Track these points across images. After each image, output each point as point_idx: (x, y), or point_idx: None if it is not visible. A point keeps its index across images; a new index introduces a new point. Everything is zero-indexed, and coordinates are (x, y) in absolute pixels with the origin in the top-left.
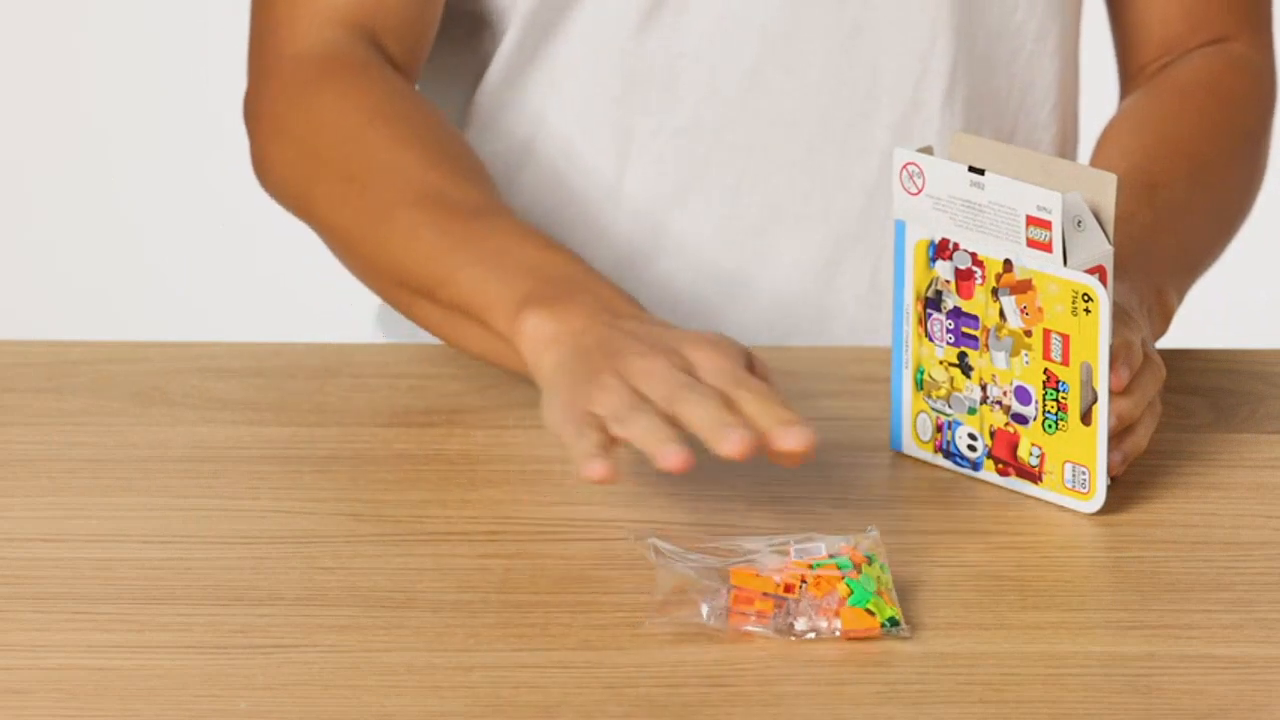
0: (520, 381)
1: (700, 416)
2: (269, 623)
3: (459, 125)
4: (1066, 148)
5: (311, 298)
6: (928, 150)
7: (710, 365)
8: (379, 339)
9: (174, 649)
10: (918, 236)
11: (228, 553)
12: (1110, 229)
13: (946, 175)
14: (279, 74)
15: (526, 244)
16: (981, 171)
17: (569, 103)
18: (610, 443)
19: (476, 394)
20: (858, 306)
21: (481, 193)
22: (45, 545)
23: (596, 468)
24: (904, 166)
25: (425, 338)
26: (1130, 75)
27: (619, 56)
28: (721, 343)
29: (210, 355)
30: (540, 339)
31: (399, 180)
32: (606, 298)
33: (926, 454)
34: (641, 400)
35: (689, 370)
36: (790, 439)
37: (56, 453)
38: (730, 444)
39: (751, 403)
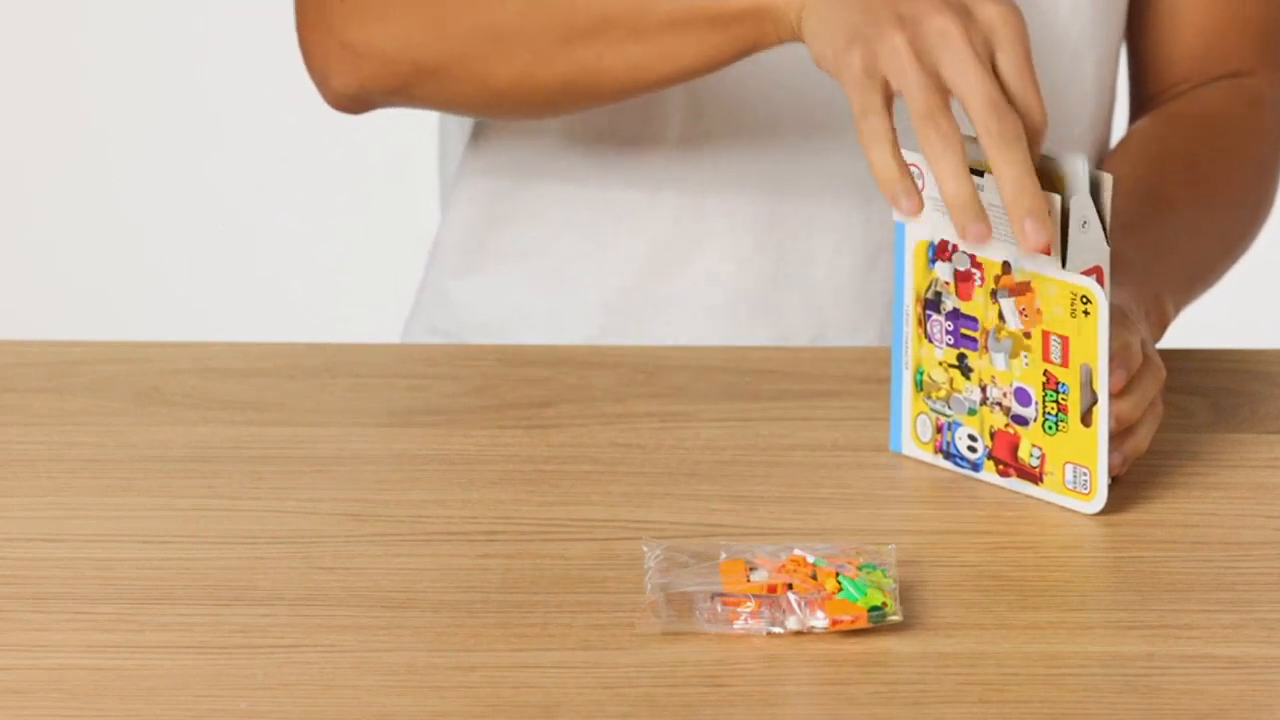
0: (520, 381)
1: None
2: (269, 623)
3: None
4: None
5: (313, 297)
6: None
7: (1003, 46)
8: (421, 338)
9: (174, 649)
10: (918, 238)
11: (228, 553)
12: (1108, 229)
13: None
14: None
15: None
16: (981, 173)
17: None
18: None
19: (476, 394)
20: (888, 312)
21: None
22: (45, 545)
23: (906, 204)
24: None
25: (434, 337)
26: (1144, 100)
27: None
28: (1012, 16)
29: (210, 355)
30: None
31: None
32: None
33: (926, 455)
34: (934, 85)
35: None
36: (1029, 239)
37: (56, 453)
38: (970, 235)
39: (1008, 168)
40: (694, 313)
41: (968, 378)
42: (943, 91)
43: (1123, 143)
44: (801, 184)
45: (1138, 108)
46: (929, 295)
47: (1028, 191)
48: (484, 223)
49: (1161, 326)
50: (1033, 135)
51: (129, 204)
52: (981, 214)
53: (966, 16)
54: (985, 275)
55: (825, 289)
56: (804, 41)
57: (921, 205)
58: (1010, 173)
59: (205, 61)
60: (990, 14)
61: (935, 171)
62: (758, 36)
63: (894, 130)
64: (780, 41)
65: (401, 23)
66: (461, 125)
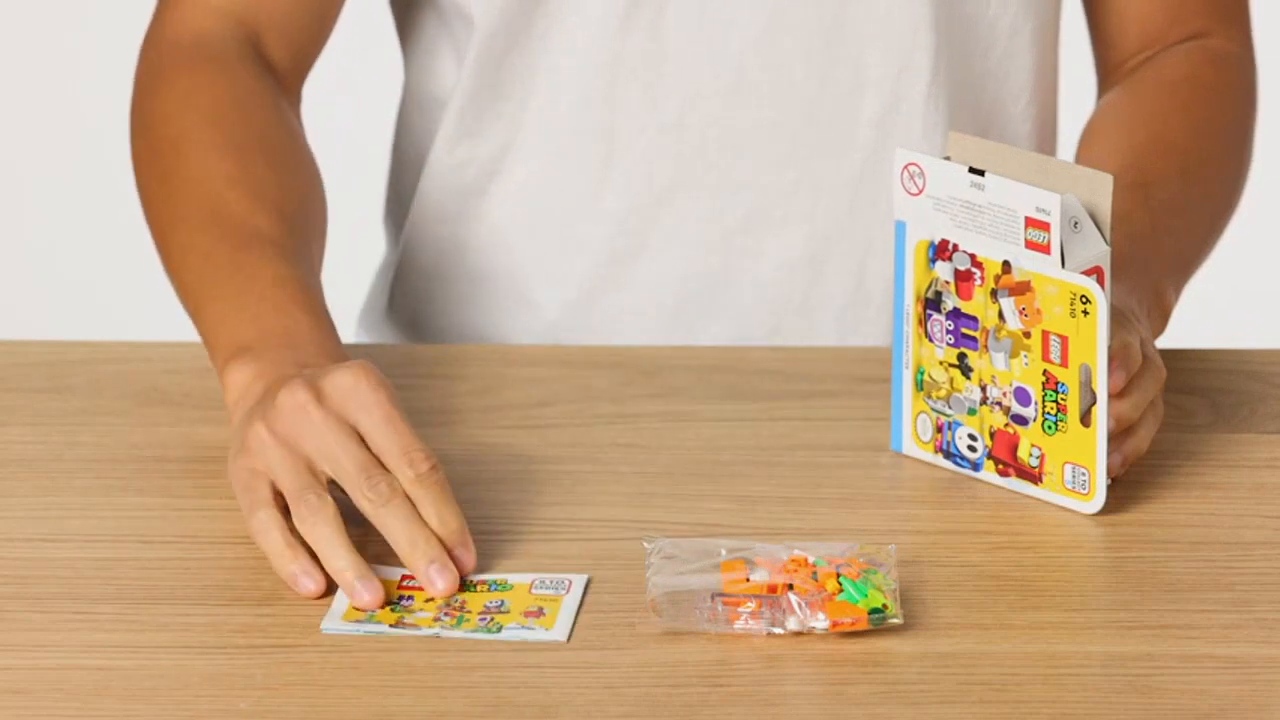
0: (520, 381)
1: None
2: (269, 623)
3: (433, 132)
4: (1044, 141)
5: None
6: None
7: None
8: (363, 340)
9: (174, 649)
10: (918, 237)
11: (228, 553)
12: (1107, 229)
13: (947, 176)
14: (151, 56)
15: (269, 289)
16: (982, 173)
17: (549, 106)
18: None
19: (476, 394)
20: (844, 303)
21: (270, 219)
22: (45, 545)
23: (307, 585)
24: (905, 167)
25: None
26: (1109, 71)
27: (598, 58)
28: (363, 377)
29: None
30: (236, 390)
31: (198, 193)
32: (307, 356)
33: (927, 454)
34: (301, 465)
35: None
36: (436, 583)
37: (56, 453)
38: (356, 600)
39: (429, 505)
40: (649, 314)
41: (968, 377)
42: (311, 469)
43: (1095, 122)
44: (748, 181)
45: (1104, 79)
46: (929, 295)
47: (419, 543)
48: (437, 246)
49: (1164, 317)
50: (420, 477)
51: (129, 204)
52: (368, 578)
53: (316, 390)
54: (985, 275)
55: (776, 286)
56: None
57: (321, 583)
58: (395, 533)
59: None
60: (339, 381)
61: (315, 549)
62: None
63: (283, 519)
64: None
65: (132, 155)
66: (418, 152)
